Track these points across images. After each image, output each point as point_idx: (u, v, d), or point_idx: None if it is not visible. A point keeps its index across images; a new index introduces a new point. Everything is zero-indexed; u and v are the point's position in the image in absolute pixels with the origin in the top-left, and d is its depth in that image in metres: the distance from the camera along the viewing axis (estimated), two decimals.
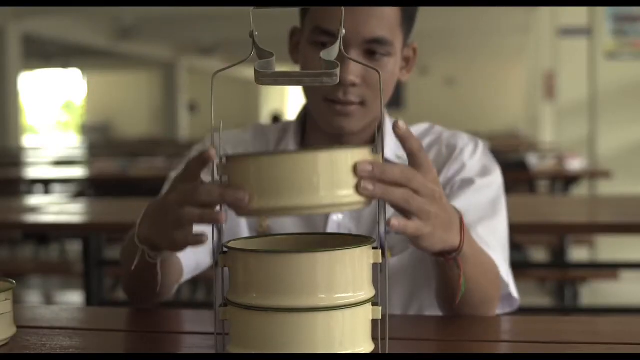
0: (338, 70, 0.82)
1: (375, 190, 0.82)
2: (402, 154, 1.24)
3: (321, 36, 1.17)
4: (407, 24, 1.22)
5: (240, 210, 0.81)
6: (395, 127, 0.86)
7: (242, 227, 1.28)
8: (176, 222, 0.88)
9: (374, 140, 0.87)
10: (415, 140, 0.89)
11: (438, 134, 1.30)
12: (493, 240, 1.18)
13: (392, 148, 1.26)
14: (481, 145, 1.30)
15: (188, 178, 0.89)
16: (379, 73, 0.85)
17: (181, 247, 0.91)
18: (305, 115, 1.32)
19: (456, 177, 1.24)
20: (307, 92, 1.25)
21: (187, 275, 1.23)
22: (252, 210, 0.80)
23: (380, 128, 0.90)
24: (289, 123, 1.35)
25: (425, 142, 1.30)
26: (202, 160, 0.87)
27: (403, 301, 1.24)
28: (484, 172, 1.25)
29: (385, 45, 1.18)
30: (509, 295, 1.22)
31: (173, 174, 1.32)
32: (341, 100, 1.19)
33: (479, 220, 1.19)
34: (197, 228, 0.89)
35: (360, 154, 0.82)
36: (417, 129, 1.32)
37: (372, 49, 1.17)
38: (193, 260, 1.23)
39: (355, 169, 0.81)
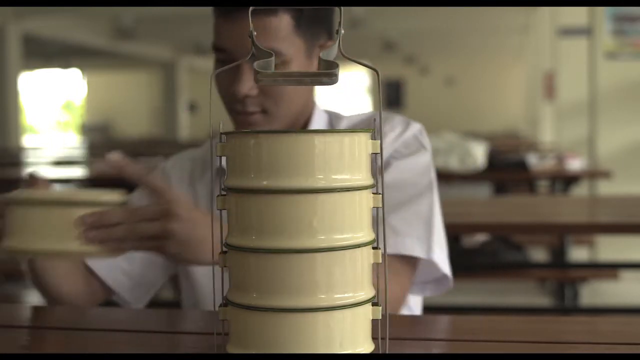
0: (338, 70, 0.82)
1: (97, 236, 0.95)
2: None
3: (217, 53, 1.23)
4: (307, 27, 1.20)
5: None
6: (109, 163, 0.99)
7: None
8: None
9: None
10: (130, 167, 0.99)
11: (371, 120, 1.32)
12: (405, 226, 1.18)
13: None
14: (413, 127, 1.29)
15: None
16: (377, 73, 0.84)
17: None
18: None
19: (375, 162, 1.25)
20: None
21: (121, 290, 1.31)
22: None
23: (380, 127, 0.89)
24: None
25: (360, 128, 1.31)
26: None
27: None
28: (409, 153, 1.26)
29: (276, 56, 1.17)
30: (443, 276, 1.24)
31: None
32: (241, 112, 1.22)
33: (393, 206, 1.20)
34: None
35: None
36: (359, 117, 1.34)
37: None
38: (125, 279, 1.31)
39: (79, 222, 0.95)
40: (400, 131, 1.28)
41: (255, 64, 0.82)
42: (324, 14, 1.24)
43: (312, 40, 1.22)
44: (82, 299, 1.25)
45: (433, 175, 1.27)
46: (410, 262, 1.20)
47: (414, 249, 1.18)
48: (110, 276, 1.30)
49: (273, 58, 0.82)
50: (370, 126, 1.30)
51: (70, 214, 0.97)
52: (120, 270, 1.30)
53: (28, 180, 1.05)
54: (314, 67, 1.24)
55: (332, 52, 0.83)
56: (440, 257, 1.21)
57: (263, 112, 1.22)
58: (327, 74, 0.82)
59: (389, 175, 1.23)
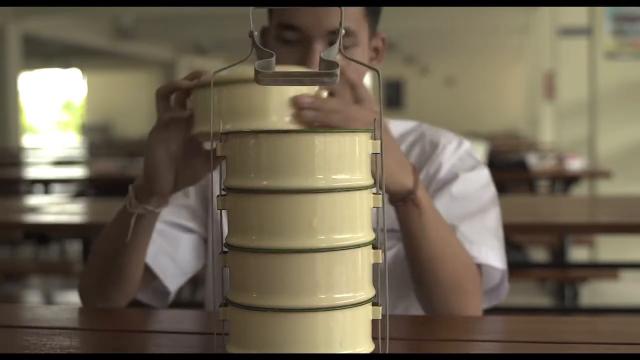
0: (338, 71, 0.82)
1: (316, 117, 0.95)
2: None
3: (285, 32, 1.16)
4: (373, 14, 1.22)
5: None
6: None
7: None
8: (161, 107, 1.05)
9: None
10: (352, 72, 1.01)
11: (422, 132, 1.31)
12: (477, 235, 1.19)
13: None
14: (466, 143, 1.30)
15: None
16: (378, 73, 0.84)
17: (169, 122, 1.05)
18: None
19: (439, 173, 1.25)
20: None
21: (163, 274, 1.25)
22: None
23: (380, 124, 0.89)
24: None
25: (409, 139, 1.31)
26: (192, 77, 1.01)
27: (390, 301, 1.24)
28: (468, 167, 1.26)
29: (349, 37, 1.16)
30: (498, 285, 1.24)
31: None
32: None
33: (463, 216, 1.21)
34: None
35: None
36: (404, 126, 1.34)
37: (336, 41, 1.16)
38: (170, 264, 1.25)
39: (294, 101, 0.95)
40: (456, 146, 1.28)
41: (256, 63, 0.81)
42: (380, 8, 1.25)
43: (373, 29, 1.23)
44: (137, 279, 1.20)
45: (494, 190, 1.28)
46: (478, 270, 1.19)
47: (489, 258, 1.18)
48: (154, 261, 1.24)
49: (274, 58, 0.82)
50: (420, 137, 1.31)
51: (286, 91, 0.95)
52: (165, 253, 1.25)
53: (194, 74, 1.03)
54: (367, 56, 1.24)
55: (332, 52, 0.83)
56: (505, 266, 1.23)
57: (331, 95, 1.21)
58: (327, 74, 0.82)
59: (456, 187, 1.23)
